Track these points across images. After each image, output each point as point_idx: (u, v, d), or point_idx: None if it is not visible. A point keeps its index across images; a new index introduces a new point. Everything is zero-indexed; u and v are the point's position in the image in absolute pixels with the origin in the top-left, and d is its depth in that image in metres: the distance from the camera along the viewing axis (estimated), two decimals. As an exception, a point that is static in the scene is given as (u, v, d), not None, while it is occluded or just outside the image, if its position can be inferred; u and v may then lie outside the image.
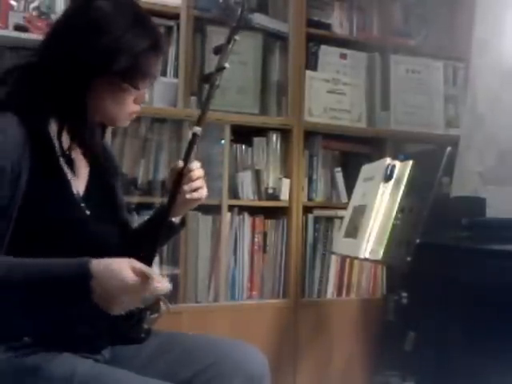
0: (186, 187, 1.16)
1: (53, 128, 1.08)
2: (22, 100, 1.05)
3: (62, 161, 1.09)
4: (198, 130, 1.16)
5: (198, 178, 1.18)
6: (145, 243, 1.14)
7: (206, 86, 1.21)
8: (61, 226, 1.04)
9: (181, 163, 1.15)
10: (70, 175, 1.09)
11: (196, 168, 1.18)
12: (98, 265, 0.93)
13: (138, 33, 1.07)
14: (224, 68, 1.18)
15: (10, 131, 1.00)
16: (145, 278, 0.93)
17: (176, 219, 1.25)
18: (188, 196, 1.17)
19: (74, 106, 1.07)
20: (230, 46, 1.19)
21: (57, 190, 1.06)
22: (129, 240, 1.23)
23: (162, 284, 0.95)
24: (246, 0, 1.29)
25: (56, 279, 0.94)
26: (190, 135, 1.17)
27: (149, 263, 1.06)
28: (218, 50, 1.21)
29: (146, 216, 1.39)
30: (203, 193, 1.20)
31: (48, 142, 1.07)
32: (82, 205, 1.10)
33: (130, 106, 1.13)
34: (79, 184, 1.13)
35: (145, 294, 0.95)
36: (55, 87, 1.06)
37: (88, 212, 1.10)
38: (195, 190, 1.18)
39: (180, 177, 1.15)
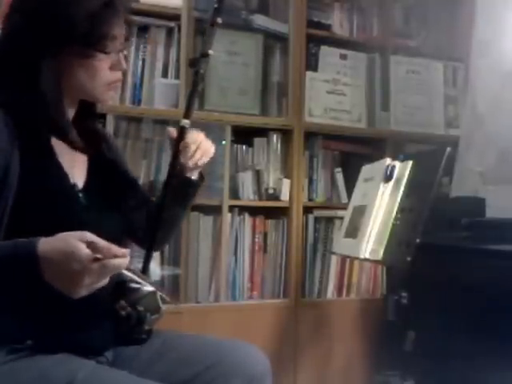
0: (186, 161, 1.20)
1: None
2: (1, 91, 1.03)
3: (56, 152, 1.07)
4: (185, 122, 1.13)
5: (195, 151, 1.20)
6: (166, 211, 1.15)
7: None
8: (57, 218, 1.03)
9: (172, 131, 1.16)
10: (66, 167, 1.08)
11: (192, 142, 1.18)
12: (45, 245, 0.85)
13: None
14: (208, 55, 1.14)
15: None
16: (101, 252, 0.84)
17: (194, 175, 1.27)
18: (191, 164, 1.21)
19: (43, 87, 1.03)
20: (213, 29, 1.15)
21: (52, 183, 1.05)
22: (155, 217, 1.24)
23: (122, 259, 0.86)
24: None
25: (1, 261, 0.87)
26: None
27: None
28: (203, 33, 1.18)
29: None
30: (205, 159, 1.23)
31: (38, 133, 1.05)
32: (80, 195, 1.09)
33: (105, 75, 1.08)
34: (78, 175, 1.12)
35: (106, 274, 0.86)
36: (22, 72, 1.03)
37: (86, 204, 1.09)
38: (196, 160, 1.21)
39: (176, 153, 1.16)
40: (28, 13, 1.05)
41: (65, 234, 0.86)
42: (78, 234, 0.86)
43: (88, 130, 1.19)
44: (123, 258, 0.87)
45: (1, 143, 0.98)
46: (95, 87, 1.09)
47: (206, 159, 1.24)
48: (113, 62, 1.09)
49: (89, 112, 1.19)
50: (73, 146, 1.11)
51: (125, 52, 1.13)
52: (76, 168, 1.12)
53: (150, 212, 1.26)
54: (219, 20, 1.15)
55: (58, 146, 1.09)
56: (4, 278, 0.88)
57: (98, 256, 0.83)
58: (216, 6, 1.17)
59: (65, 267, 0.83)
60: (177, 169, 1.17)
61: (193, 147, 1.19)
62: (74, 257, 0.83)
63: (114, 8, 1.06)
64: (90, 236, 0.86)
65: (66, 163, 1.09)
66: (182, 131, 1.14)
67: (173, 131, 1.18)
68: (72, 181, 1.09)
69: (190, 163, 1.21)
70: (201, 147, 1.21)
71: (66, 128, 1.09)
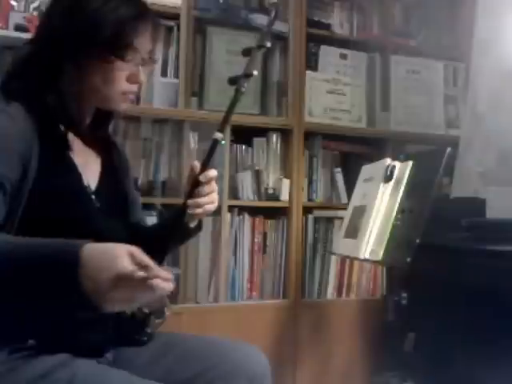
0: (190, 202, 1.10)
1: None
2: (25, 89, 1.05)
3: (72, 153, 1.09)
4: (219, 136, 1.12)
5: (207, 193, 1.13)
6: (156, 244, 1.13)
7: (232, 90, 1.19)
8: (70, 217, 1.03)
9: (197, 166, 1.11)
10: (80, 168, 1.10)
11: (207, 182, 1.12)
12: (91, 251, 0.80)
13: (121, 1, 1.06)
14: (251, 75, 1.15)
15: (18, 119, 1.00)
16: (145, 270, 0.78)
17: (192, 224, 1.22)
18: (190, 211, 1.11)
19: (65, 87, 1.06)
20: (260, 51, 1.17)
21: (67, 182, 1.06)
22: (140, 239, 1.23)
23: (165, 283, 0.78)
24: (279, 4, 1.25)
25: (41, 261, 0.81)
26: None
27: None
28: (246, 53, 1.17)
29: (146, 217, 1.39)
30: (209, 207, 1.15)
31: (57, 131, 1.07)
32: (93, 197, 1.11)
33: (121, 84, 1.10)
34: (91, 177, 1.13)
35: (144, 293, 0.79)
36: (47, 71, 1.06)
37: (98, 205, 1.10)
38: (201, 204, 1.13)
39: (195, 184, 1.10)
40: (59, 13, 1.08)
41: (114, 243, 0.82)
42: (127, 245, 0.80)
43: (101, 138, 1.21)
44: (168, 283, 0.79)
45: (25, 133, 1.00)
46: (110, 95, 1.10)
47: (213, 206, 1.16)
48: (131, 73, 1.10)
49: (103, 121, 1.21)
50: (85, 141, 1.13)
51: (149, 67, 1.15)
52: (89, 171, 1.13)
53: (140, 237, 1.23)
54: (268, 44, 1.17)
55: (73, 147, 1.10)
56: (37, 276, 0.81)
57: (141, 273, 0.75)
58: (266, 29, 1.20)
59: (99, 272, 0.77)
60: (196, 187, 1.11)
61: (207, 188, 1.13)
62: (111, 263, 0.77)
63: (144, 21, 1.08)
64: (137, 250, 0.80)
65: (81, 164, 1.10)
66: (214, 144, 1.12)
67: (196, 166, 1.12)
68: (86, 182, 1.10)
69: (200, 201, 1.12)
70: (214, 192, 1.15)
71: (79, 123, 1.11)
